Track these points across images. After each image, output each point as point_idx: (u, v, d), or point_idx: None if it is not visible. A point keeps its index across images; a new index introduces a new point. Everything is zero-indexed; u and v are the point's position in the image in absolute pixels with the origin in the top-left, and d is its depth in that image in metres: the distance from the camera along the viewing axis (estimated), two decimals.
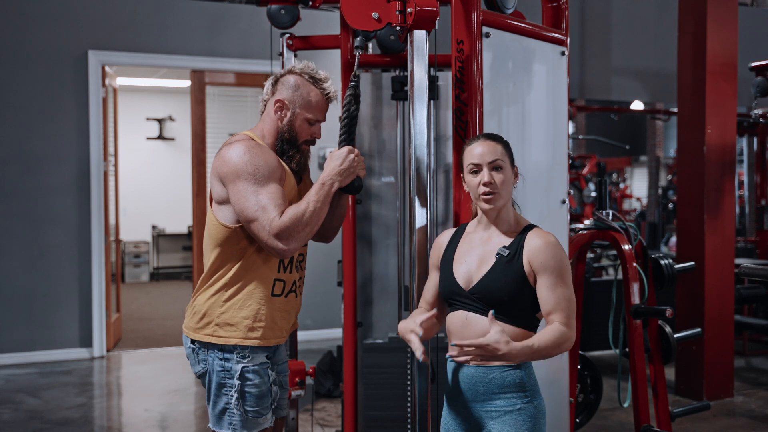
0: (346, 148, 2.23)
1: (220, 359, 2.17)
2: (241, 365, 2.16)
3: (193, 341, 2.23)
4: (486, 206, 1.96)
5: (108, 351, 5.91)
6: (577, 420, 3.32)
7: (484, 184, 1.94)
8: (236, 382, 2.16)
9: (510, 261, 1.91)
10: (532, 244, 1.91)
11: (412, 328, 1.92)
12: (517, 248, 1.92)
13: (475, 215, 2.09)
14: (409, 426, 2.74)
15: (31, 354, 5.60)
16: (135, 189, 10.09)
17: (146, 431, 4.14)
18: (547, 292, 1.88)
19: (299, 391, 2.89)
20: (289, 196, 2.20)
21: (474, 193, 1.98)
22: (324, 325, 6.14)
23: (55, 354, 5.66)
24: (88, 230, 5.76)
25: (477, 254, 1.98)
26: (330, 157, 2.21)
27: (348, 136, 2.31)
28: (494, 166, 1.95)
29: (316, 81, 2.27)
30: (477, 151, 1.97)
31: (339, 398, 4.21)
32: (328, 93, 2.28)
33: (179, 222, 10.53)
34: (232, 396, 2.15)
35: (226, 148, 2.16)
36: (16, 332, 5.58)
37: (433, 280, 2.11)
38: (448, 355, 1.82)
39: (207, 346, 2.20)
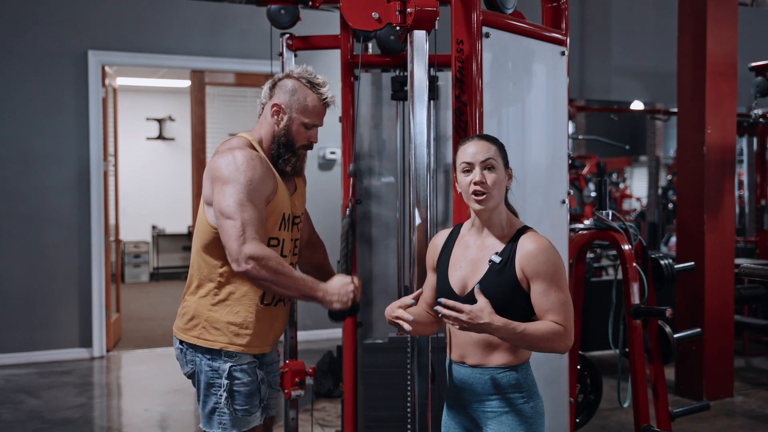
0: (347, 279, 2.21)
1: (208, 359, 2.18)
2: (228, 364, 2.17)
3: (181, 342, 2.25)
4: (477, 206, 1.92)
5: (108, 351, 5.91)
6: (577, 420, 3.32)
7: (475, 183, 1.90)
8: (225, 381, 2.16)
9: (502, 268, 1.89)
10: (525, 249, 1.88)
11: (398, 305, 1.92)
12: (509, 254, 1.90)
13: (470, 216, 2.06)
14: (409, 426, 2.74)
15: (31, 354, 5.60)
16: (135, 189, 10.09)
17: (146, 431, 4.14)
18: (540, 298, 1.86)
19: (299, 391, 2.88)
20: (281, 207, 2.21)
21: (465, 193, 1.94)
22: (324, 325, 6.12)
23: (55, 354, 5.66)
24: (88, 230, 5.76)
25: (471, 259, 1.96)
26: (334, 279, 2.21)
27: (347, 257, 2.34)
28: (486, 166, 1.91)
29: (313, 86, 2.26)
30: (470, 150, 1.94)
31: (339, 398, 4.20)
32: (326, 98, 2.28)
33: (179, 222, 10.53)
34: (221, 396, 2.16)
35: (227, 152, 2.13)
36: (16, 332, 5.58)
37: (431, 281, 2.10)
38: (435, 307, 1.81)
39: (194, 347, 2.20)
